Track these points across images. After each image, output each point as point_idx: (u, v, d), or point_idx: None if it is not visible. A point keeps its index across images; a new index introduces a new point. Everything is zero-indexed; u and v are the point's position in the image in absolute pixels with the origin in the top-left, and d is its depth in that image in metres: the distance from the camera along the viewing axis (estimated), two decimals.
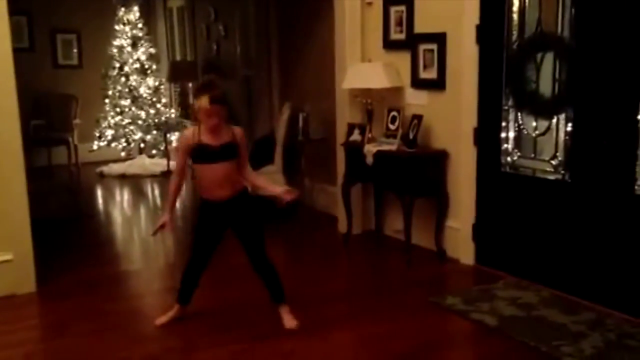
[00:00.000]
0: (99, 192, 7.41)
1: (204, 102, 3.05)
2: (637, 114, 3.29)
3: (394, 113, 4.64)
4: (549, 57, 3.76)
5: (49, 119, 8.09)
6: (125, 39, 8.12)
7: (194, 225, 3.45)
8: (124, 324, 3.50)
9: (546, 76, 3.79)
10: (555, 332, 3.24)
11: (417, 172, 4.33)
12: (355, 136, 4.80)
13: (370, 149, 4.54)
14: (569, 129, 3.67)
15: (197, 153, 3.15)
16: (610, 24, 3.39)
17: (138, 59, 8.13)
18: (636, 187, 3.33)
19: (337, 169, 5.16)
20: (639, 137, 3.30)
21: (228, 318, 3.52)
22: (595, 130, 3.51)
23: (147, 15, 8.67)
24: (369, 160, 4.53)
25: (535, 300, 3.65)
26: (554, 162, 3.81)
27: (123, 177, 7.91)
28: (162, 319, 3.45)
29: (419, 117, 4.44)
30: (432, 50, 4.45)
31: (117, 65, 8.11)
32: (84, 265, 4.51)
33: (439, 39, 4.37)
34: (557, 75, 3.73)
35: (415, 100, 4.63)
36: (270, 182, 3.34)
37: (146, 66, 8.19)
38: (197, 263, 3.42)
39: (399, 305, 3.69)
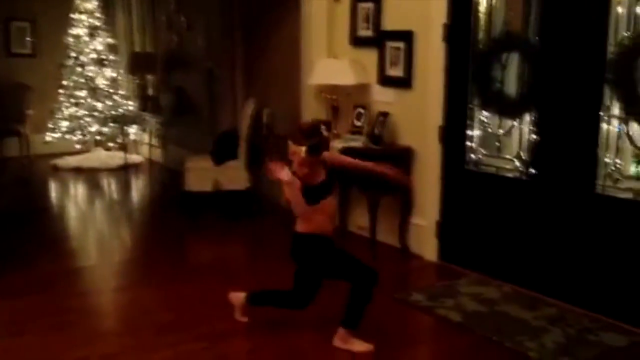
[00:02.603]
0: (53, 186, 7.20)
1: (299, 149, 2.88)
2: (599, 114, 3.37)
3: (360, 110, 4.65)
4: (515, 57, 3.83)
5: (0, 109, 7.80)
6: (83, 28, 7.90)
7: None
8: (80, 321, 3.41)
9: (511, 76, 3.86)
10: (518, 327, 3.30)
11: None
12: None
13: (335, 145, 4.53)
14: (532, 128, 3.74)
15: (308, 194, 2.94)
16: (574, 25, 3.47)
17: (95, 49, 7.91)
18: (596, 186, 3.42)
19: None
20: (599, 137, 3.39)
21: (187, 316, 3.46)
22: (558, 130, 3.59)
23: (106, 5, 8.44)
24: None
25: (497, 296, 3.71)
26: (517, 161, 3.88)
27: (78, 171, 7.69)
28: None
29: (385, 114, 4.46)
30: (399, 48, 4.48)
31: (74, 55, 7.88)
32: (38, 262, 4.36)
33: (407, 37, 4.40)
34: (522, 76, 3.80)
35: (382, 97, 4.65)
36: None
37: (104, 57, 7.98)
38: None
39: None
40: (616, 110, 3.34)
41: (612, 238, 3.37)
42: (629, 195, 3.33)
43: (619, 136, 3.35)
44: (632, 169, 3.39)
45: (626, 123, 3.32)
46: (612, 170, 3.38)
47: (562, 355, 2.99)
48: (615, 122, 3.35)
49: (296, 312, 3.20)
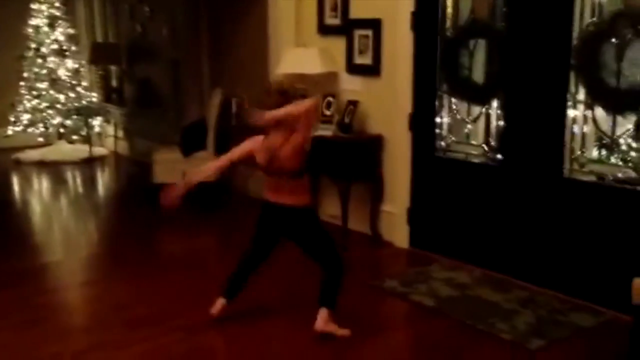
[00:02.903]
0: (16, 180, 7.03)
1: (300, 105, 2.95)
2: (565, 100, 3.44)
3: (330, 98, 4.65)
4: (482, 45, 3.87)
5: None
6: (42, 19, 7.70)
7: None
8: (52, 317, 3.36)
9: (479, 63, 3.90)
10: (490, 309, 3.36)
11: (353, 157, 4.36)
12: None
13: None
14: (500, 114, 3.80)
15: None
16: (540, 12, 3.52)
17: (56, 40, 7.72)
18: (564, 170, 3.50)
19: None
20: (566, 122, 3.46)
21: (160, 309, 3.43)
22: (525, 116, 3.65)
23: None
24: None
25: (468, 280, 3.77)
26: (485, 147, 3.94)
27: (41, 164, 7.52)
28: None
29: (354, 103, 4.47)
30: (367, 36, 4.48)
31: (34, 46, 7.67)
32: (5, 257, 4.27)
33: (375, 24, 4.40)
34: (489, 62, 3.85)
35: (350, 85, 4.65)
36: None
37: (65, 47, 7.79)
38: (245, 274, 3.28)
39: None
40: (581, 95, 3.41)
41: (579, 221, 3.45)
42: (593, 178, 3.41)
43: (584, 121, 3.42)
44: (595, 153, 3.48)
45: (591, 108, 3.39)
46: (578, 154, 3.46)
47: (534, 335, 3.06)
48: (580, 107, 3.42)
49: (268, 301, 3.16)
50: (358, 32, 4.54)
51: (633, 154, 3.28)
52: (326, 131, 4.48)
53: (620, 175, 3.31)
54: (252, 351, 3.00)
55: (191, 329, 3.18)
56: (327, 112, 4.63)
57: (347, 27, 4.62)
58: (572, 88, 3.42)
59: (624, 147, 3.32)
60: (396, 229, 4.45)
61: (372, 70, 4.47)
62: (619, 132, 3.32)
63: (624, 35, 3.19)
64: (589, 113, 3.40)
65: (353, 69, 4.62)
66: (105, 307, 3.52)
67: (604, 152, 3.46)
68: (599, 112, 3.37)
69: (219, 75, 6.08)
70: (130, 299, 3.57)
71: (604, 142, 3.41)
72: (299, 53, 4.78)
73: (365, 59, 4.52)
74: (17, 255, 4.34)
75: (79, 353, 2.97)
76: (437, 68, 4.09)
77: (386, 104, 4.40)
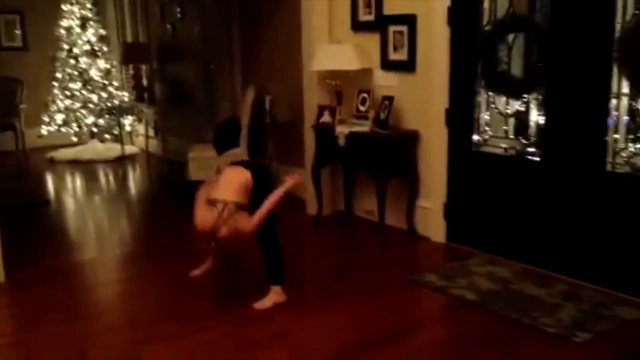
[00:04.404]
0: (50, 179, 7.15)
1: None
2: (608, 94, 3.42)
3: (364, 95, 4.67)
4: (520, 38, 3.86)
5: None
6: (74, 20, 7.83)
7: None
8: (93, 313, 3.44)
9: (517, 57, 3.89)
10: (533, 304, 3.36)
11: (390, 152, 4.38)
12: (326, 118, 4.81)
13: (342, 130, 4.56)
14: (540, 108, 3.78)
15: None
16: (581, 4, 3.50)
17: (88, 41, 7.86)
18: (607, 164, 3.48)
19: (306, 151, 5.16)
20: (608, 116, 3.44)
21: (202, 305, 3.46)
22: (566, 110, 3.64)
23: None
24: (341, 141, 4.55)
25: (509, 275, 3.77)
26: (524, 141, 3.93)
27: (75, 163, 7.66)
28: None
29: (389, 99, 4.48)
30: (402, 32, 4.49)
31: (66, 47, 7.81)
32: (42, 256, 4.35)
33: (409, 20, 4.41)
34: (528, 56, 3.84)
35: (385, 81, 4.67)
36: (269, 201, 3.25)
37: (96, 48, 7.92)
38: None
39: (378, 284, 3.73)
40: (625, 88, 3.39)
41: (622, 215, 3.42)
42: (637, 173, 3.39)
43: (628, 114, 3.40)
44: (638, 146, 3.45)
45: (635, 100, 3.36)
46: (621, 148, 3.44)
47: (579, 329, 3.05)
48: (625, 100, 3.40)
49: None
50: (392, 28, 4.55)
51: None
52: (363, 127, 4.50)
53: None
54: (295, 343, 3.04)
55: (237, 323, 3.22)
56: (362, 108, 4.65)
57: (381, 23, 4.63)
58: (615, 81, 3.39)
59: None
60: (433, 224, 4.46)
61: (407, 66, 4.48)
62: None
63: None
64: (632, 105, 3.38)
65: (388, 65, 4.64)
66: (147, 303, 3.56)
67: None
68: None
69: (251, 73, 6.14)
70: (172, 295, 3.60)
71: None
72: (333, 49, 4.80)
73: (400, 55, 4.53)
74: (52, 254, 4.41)
75: (130, 345, 3.02)
76: (474, 63, 4.09)
77: (422, 100, 4.41)
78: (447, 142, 4.31)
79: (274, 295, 3.40)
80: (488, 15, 4.02)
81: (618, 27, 3.34)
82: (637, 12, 3.28)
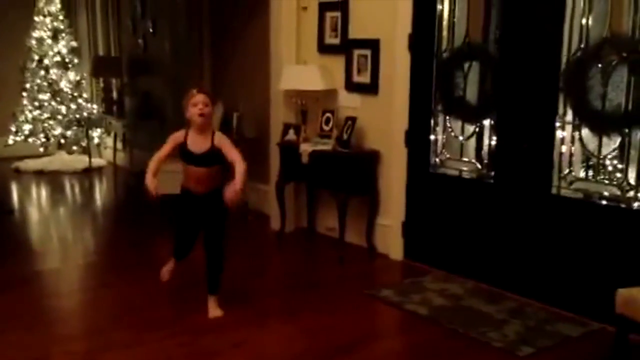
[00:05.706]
0: (15, 189, 7.13)
1: (191, 93, 3.36)
2: (554, 120, 3.63)
3: (328, 114, 4.82)
4: (476, 66, 4.07)
5: None
6: (46, 31, 7.86)
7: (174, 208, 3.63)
8: (55, 320, 3.49)
9: (473, 84, 4.10)
10: (481, 319, 3.52)
11: (351, 171, 4.53)
12: (291, 136, 4.94)
13: (305, 148, 4.70)
14: (492, 132, 3.98)
15: (182, 154, 3.47)
16: (530, 38, 3.72)
17: (59, 52, 7.88)
18: (552, 187, 3.68)
19: (271, 167, 5.28)
20: (555, 141, 3.65)
21: (160, 314, 3.55)
22: (516, 135, 3.84)
23: (69, 8, 8.42)
24: (305, 159, 4.68)
25: (461, 292, 3.93)
26: (478, 164, 4.12)
27: (41, 174, 7.64)
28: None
29: (352, 119, 4.64)
30: (365, 56, 4.67)
31: (36, 57, 7.83)
32: (3, 264, 4.37)
33: (373, 45, 4.59)
34: (482, 83, 4.04)
35: (349, 102, 4.83)
36: (240, 180, 3.33)
37: (67, 60, 7.95)
38: (180, 245, 3.68)
39: (335, 298, 3.86)
40: (569, 117, 3.60)
41: (566, 236, 3.62)
42: (580, 196, 3.59)
43: (572, 141, 3.61)
44: (582, 172, 3.66)
45: (578, 129, 3.58)
46: (565, 173, 3.64)
47: (524, 344, 3.22)
48: (568, 128, 3.61)
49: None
50: (357, 52, 4.73)
51: (618, 174, 3.46)
52: (326, 146, 4.65)
53: (605, 193, 3.49)
54: (252, 353, 3.14)
55: (196, 332, 3.31)
56: (326, 128, 4.80)
57: (346, 47, 4.80)
58: (561, 110, 3.61)
59: (609, 168, 3.50)
60: (391, 242, 4.61)
61: (370, 89, 4.66)
62: (604, 152, 3.50)
63: (609, 60, 3.39)
64: (576, 134, 3.59)
65: (351, 86, 4.81)
66: (108, 311, 3.63)
67: (590, 171, 3.64)
68: (586, 132, 3.55)
69: (220, 90, 6.25)
70: (132, 304, 3.67)
71: (591, 162, 3.60)
72: (299, 70, 4.96)
73: (364, 78, 4.70)
74: (15, 262, 4.43)
75: (89, 352, 3.08)
76: (432, 87, 4.28)
77: (383, 121, 4.58)
78: (406, 163, 4.48)
79: (213, 306, 3.51)
80: (446, 43, 4.22)
81: (563, 59, 3.56)
82: (582, 46, 3.50)
